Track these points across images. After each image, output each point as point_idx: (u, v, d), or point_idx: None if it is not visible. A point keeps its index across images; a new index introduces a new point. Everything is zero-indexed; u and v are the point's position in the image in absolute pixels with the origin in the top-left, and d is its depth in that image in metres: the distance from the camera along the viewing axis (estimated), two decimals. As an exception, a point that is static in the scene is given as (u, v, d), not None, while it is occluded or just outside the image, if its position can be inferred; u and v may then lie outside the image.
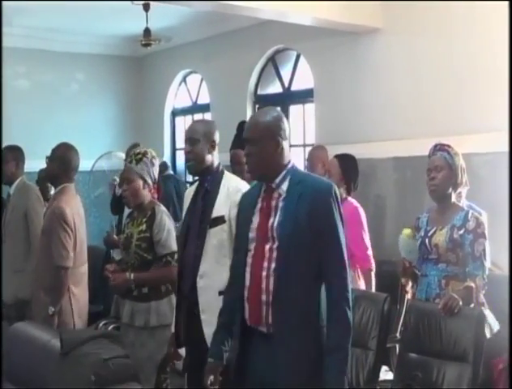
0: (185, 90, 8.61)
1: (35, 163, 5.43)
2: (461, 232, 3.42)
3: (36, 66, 8.08)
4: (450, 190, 3.55)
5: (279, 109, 2.89)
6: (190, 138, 3.24)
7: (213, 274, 3.14)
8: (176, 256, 3.50)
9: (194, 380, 3.33)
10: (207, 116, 7.88)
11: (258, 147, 2.57)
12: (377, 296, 3.52)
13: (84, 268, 4.20)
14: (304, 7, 5.25)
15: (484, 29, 5.01)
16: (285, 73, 7.11)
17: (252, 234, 2.60)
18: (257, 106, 7.29)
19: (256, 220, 2.60)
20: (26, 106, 7.78)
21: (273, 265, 2.51)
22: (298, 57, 6.86)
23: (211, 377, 2.66)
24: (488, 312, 3.44)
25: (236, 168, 5.64)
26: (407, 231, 3.57)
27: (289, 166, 2.61)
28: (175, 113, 8.76)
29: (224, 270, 3.09)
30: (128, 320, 3.54)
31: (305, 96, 6.72)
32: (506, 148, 4.84)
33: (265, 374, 2.54)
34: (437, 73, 5.36)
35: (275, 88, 7.23)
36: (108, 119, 8.69)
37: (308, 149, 5.94)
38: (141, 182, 3.61)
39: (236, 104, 7.33)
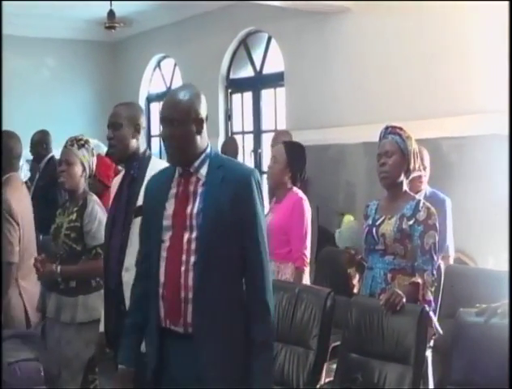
0: (159, 75, 8.40)
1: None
2: (410, 222, 3.15)
3: (4, 51, 7.82)
4: (402, 176, 3.29)
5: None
6: (113, 123, 3.02)
7: None
8: None
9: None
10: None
11: (180, 128, 2.31)
12: (320, 291, 3.26)
13: (32, 261, 3.91)
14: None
15: (455, 10, 4.80)
16: (257, 56, 6.89)
17: (166, 222, 2.36)
18: (229, 91, 7.07)
19: (170, 206, 2.36)
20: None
21: (192, 258, 2.29)
22: (269, 39, 6.62)
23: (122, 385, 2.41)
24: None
25: None
26: (348, 218, 3.32)
27: (208, 150, 2.38)
28: (150, 99, 8.54)
29: None
30: (53, 315, 3.38)
31: (276, 79, 6.48)
32: (477, 132, 4.64)
33: (188, 380, 2.32)
34: (407, 55, 5.15)
35: (247, 72, 7.02)
36: (82, 106, 8.49)
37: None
38: (81, 168, 3.46)
39: (208, 89, 7.04)
